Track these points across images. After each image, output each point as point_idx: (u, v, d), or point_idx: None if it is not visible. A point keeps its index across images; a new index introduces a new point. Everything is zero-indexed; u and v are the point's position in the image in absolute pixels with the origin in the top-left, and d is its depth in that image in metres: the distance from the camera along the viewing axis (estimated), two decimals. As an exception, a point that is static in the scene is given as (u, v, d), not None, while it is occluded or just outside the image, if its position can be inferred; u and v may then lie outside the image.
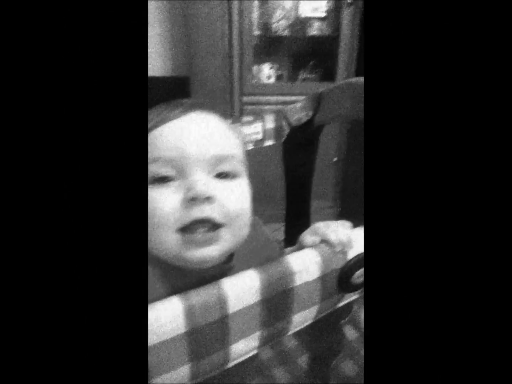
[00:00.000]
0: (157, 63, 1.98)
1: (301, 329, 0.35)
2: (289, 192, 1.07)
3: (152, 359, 0.26)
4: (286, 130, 1.00)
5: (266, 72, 1.77)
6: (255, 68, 1.71)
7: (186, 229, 0.35)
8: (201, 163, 0.36)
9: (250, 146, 0.95)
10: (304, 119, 1.01)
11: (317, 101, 0.97)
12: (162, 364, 0.26)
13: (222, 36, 1.54)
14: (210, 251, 0.36)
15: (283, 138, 1.01)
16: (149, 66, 1.97)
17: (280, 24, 1.74)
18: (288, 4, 1.74)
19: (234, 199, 0.37)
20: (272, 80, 1.79)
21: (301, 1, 1.71)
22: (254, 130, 0.97)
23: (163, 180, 0.36)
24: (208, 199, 0.35)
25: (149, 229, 0.35)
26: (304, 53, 1.86)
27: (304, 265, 0.32)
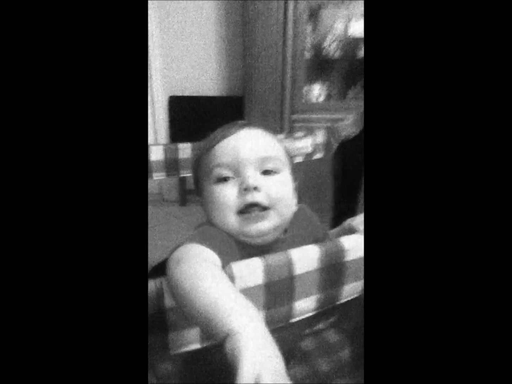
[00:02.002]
0: (214, 84, 2.15)
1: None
2: (336, 203, 1.14)
3: (238, 301, 0.35)
4: (335, 145, 1.08)
5: (316, 92, 1.87)
6: (305, 88, 1.81)
7: (243, 211, 0.48)
8: (251, 164, 0.49)
9: (300, 159, 1.04)
10: (353, 135, 1.08)
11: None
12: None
13: (276, 59, 1.67)
14: (262, 226, 0.48)
15: (332, 152, 1.08)
16: (207, 86, 2.14)
17: (331, 47, 1.84)
18: (339, 27, 1.83)
19: (276, 188, 0.50)
20: (322, 99, 1.88)
21: (352, 22, 1.80)
22: (305, 144, 1.06)
23: (224, 179, 0.49)
24: (256, 188, 0.48)
25: (216, 214, 0.49)
26: (353, 73, 1.93)
27: (354, 244, 0.40)
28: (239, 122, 0.54)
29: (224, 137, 0.51)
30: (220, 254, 0.40)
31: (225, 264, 0.36)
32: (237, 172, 0.49)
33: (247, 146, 0.50)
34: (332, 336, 0.90)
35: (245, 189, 0.47)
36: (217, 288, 0.31)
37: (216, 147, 0.51)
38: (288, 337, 0.65)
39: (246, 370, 0.24)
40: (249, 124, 0.54)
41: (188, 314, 0.32)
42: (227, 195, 0.48)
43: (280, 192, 0.50)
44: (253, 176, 0.48)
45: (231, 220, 0.48)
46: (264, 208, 0.48)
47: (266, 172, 0.50)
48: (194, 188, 0.59)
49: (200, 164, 0.54)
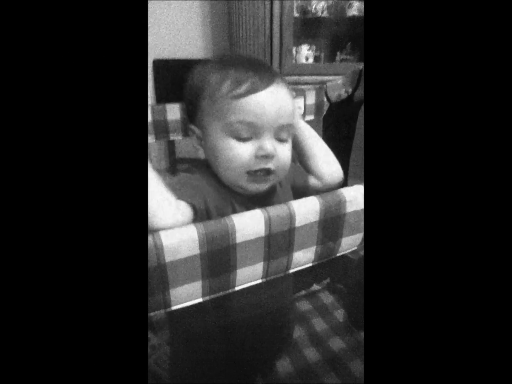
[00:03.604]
0: (199, 46, 2.07)
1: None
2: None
3: (239, 254, 0.34)
4: (326, 106, 1.06)
5: (304, 53, 1.82)
6: (294, 49, 1.76)
7: (252, 172, 0.50)
8: (271, 129, 0.50)
9: (292, 121, 1.02)
10: (344, 96, 1.06)
11: (357, 78, 1.02)
12: (246, 259, 0.35)
13: (264, 18, 1.60)
14: (262, 186, 0.53)
15: (323, 114, 1.06)
16: (192, 49, 2.06)
17: (319, 6, 1.78)
18: (327, -14, 1.77)
19: (285, 156, 0.53)
20: (310, 61, 1.83)
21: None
22: (297, 104, 1.03)
23: (242, 138, 0.49)
24: (272, 156, 0.50)
25: (226, 168, 0.51)
26: (342, 34, 1.88)
27: (354, 195, 0.39)
28: (269, 71, 0.52)
29: (252, 91, 0.48)
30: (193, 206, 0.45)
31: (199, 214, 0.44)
32: (257, 134, 0.49)
33: (273, 110, 0.49)
34: (327, 297, 0.92)
35: (262, 156, 0.49)
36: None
37: (243, 101, 0.48)
38: (285, 299, 0.66)
39: None
40: (278, 76, 0.52)
41: None
42: (244, 157, 0.49)
43: (286, 160, 0.53)
44: (271, 144, 0.50)
45: (240, 178, 0.51)
46: (269, 172, 0.51)
47: (279, 139, 0.51)
48: (189, 116, 0.57)
49: (216, 104, 0.50)
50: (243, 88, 0.48)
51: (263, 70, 0.50)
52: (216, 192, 0.52)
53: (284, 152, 0.52)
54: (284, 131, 0.51)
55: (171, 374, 0.75)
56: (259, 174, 0.51)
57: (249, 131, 0.49)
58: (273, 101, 0.49)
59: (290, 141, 0.54)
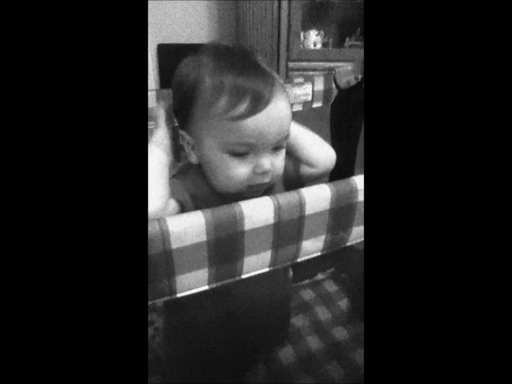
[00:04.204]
0: (205, 31, 2.03)
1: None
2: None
3: (247, 240, 0.33)
4: (335, 93, 1.03)
5: (313, 38, 1.78)
6: (302, 34, 1.72)
7: (249, 186, 0.50)
8: (270, 145, 0.48)
9: (299, 107, 1.00)
10: (353, 83, 1.04)
11: (367, 64, 1.00)
12: (254, 246, 0.34)
13: (272, 2, 1.56)
14: (258, 193, 0.52)
15: (332, 101, 1.04)
16: (197, 33, 2.03)
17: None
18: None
19: (280, 164, 0.52)
20: (318, 46, 1.80)
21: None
22: (304, 91, 1.01)
23: (241, 155, 0.48)
24: (269, 172, 0.49)
25: (224, 185, 0.51)
26: (351, 19, 1.84)
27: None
28: (268, 78, 0.47)
29: (253, 112, 0.45)
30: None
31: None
32: (255, 151, 0.48)
33: (273, 129, 0.47)
34: (331, 286, 0.91)
35: (261, 173, 0.48)
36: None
37: (241, 123, 0.45)
38: (283, 291, 0.66)
39: None
40: (277, 84, 0.48)
41: None
42: (241, 175, 0.48)
43: (281, 166, 0.52)
44: (268, 160, 0.49)
45: (240, 190, 0.50)
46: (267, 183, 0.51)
47: (276, 149, 0.50)
48: (178, 118, 0.55)
49: (211, 121, 0.47)
50: (242, 109, 0.45)
51: (262, 79, 0.46)
52: (207, 193, 0.52)
53: (280, 160, 0.52)
54: (281, 140, 0.50)
55: (167, 361, 0.75)
56: (257, 186, 0.50)
57: (247, 149, 0.47)
58: (273, 119, 0.47)
59: (284, 144, 0.52)
